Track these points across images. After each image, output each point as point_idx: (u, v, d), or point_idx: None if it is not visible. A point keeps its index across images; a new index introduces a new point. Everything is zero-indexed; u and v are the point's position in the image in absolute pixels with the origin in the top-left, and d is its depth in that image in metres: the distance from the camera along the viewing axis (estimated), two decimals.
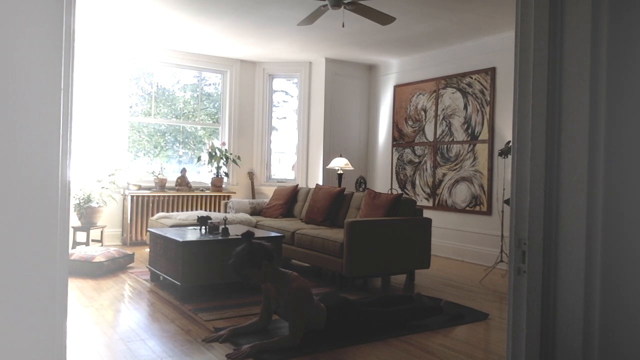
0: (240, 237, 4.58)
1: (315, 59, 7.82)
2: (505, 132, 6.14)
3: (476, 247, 6.41)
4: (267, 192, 7.97)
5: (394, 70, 7.76)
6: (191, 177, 7.64)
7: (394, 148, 7.68)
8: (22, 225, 1.24)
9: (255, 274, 3.21)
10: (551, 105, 1.78)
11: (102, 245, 6.44)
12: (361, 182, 7.88)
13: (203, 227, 4.85)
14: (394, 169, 7.69)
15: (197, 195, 7.35)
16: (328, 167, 7.41)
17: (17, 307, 1.24)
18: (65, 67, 1.32)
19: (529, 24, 1.81)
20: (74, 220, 6.48)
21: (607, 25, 1.66)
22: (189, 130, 7.92)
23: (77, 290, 4.49)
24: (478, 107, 6.47)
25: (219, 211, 7.19)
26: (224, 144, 7.68)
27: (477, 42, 6.49)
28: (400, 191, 7.47)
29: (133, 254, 5.64)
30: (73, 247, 6.05)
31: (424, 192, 7.16)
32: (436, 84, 7.05)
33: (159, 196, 7.05)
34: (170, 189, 7.26)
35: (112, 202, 6.79)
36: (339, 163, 7.13)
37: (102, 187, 6.56)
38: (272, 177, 8.30)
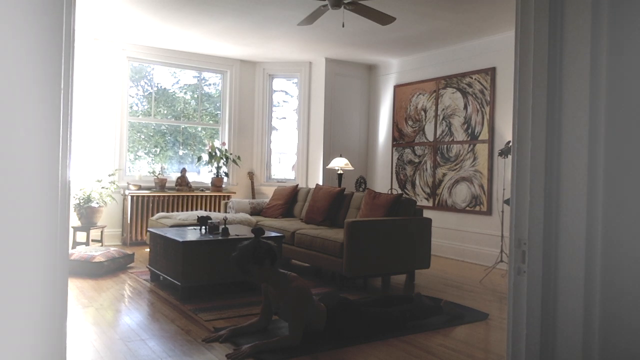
0: (239, 236, 4.61)
1: (315, 59, 7.81)
2: (505, 132, 6.14)
3: (476, 247, 6.40)
4: (267, 192, 7.97)
5: (394, 70, 7.76)
6: (191, 177, 7.64)
7: (394, 148, 7.68)
8: (22, 225, 1.24)
9: (256, 271, 3.21)
10: (551, 105, 1.78)
11: (102, 245, 6.44)
12: (361, 182, 7.87)
13: (203, 227, 4.86)
14: (394, 169, 7.69)
15: (197, 195, 7.35)
16: (328, 167, 7.41)
17: (18, 307, 1.24)
18: (65, 67, 1.32)
19: (529, 24, 1.81)
20: (74, 220, 6.48)
21: (607, 25, 1.66)
22: (190, 130, 7.92)
23: (77, 290, 4.49)
24: (478, 107, 6.47)
25: (219, 211, 7.19)
26: (224, 144, 7.69)
27: (477, 42, 6.48)
28: (400, 191, 7.47)
29: (133, 254, 5.64)
30: (73, 247, 6.05)
31: (424, 192, 7.16)
32: (436, 84, 7.05)
33: (159, 196, 7.05)
34: (170, 189, 7.26)
35: (112, 202, 6.79)
36: (339, 163, 7.13)
37: (102, 187, 6.56)
38: (272, 177, 8.30)
